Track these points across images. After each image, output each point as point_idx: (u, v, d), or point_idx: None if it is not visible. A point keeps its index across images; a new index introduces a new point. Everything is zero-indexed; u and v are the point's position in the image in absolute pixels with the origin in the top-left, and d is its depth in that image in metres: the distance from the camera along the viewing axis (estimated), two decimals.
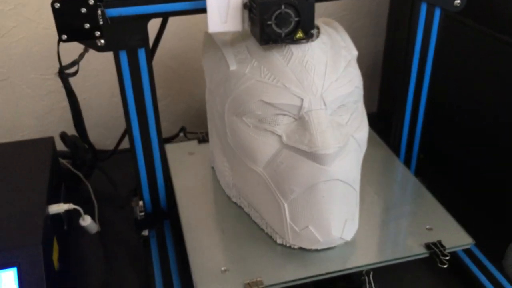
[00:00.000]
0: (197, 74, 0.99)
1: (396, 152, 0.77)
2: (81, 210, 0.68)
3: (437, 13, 0.67)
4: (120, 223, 0.78)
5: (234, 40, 0.61)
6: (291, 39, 0.53)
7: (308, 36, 0.54)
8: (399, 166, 0.74)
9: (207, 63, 0.66)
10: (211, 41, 0.63)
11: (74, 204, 0.67)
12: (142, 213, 0.68)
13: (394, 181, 0.72)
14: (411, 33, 0.68)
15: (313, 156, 0.53)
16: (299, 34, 0.53)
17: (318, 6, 0.54)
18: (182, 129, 0.93)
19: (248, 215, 0.64)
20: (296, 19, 0.52)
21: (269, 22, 0.52)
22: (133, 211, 0.70)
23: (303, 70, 0.54)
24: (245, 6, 0.54)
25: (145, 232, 0.69)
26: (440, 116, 0.85)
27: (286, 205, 0.57)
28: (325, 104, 0.54)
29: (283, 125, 0.55)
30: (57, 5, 0.52)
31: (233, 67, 0.58)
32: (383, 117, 1.04)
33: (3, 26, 0.85)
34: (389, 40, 1.02)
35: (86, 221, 0.69)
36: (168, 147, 0.77)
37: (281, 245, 0.60)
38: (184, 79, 1.00)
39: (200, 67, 0.99)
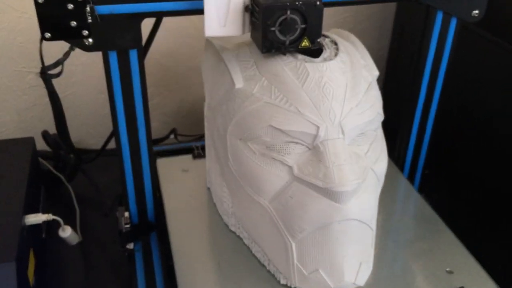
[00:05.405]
0: (190, 72, 0.95)
1: (400, 166, 0.73)
2: (61, 221, 0.63)
3: (453, 23, 0.63)
4: (103, 232, 0.74)
5: (241, 52, 0.54)
6: (295, 47, 0.49)
7: (315, 45, 0.49)
8: (403, 182, 0.70)
9: (207, 75, 0.58)
10: (213, 50, 0.56)
11: (55, 209, 0.64)
12: (128, 225, 0.64)
13: (401, 204, 0.66)
14: (424, 43, 0.64)
15: (328, 193, 0.47)
16: (305, 43, 0.49)
17: None
18: (173, 131, 0.89)
19: (248, 247, 0.58)
20: (302, 26, 0.48)
21: (273, 29, 0.47)
22: (117, 221, 0.65)
23: (320, 94, 0.48)
24: (246, 9, 0.49)
25: (130, 245, 0.65)
26: (448, 131, 0.81)
27: (294, 245, 0.50)
28: (343, 133, 0.48)
29: (295, 155, 0.49)
30: None
31: (239, 84, 0.51)
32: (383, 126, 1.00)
33: None
34: (393, 46, 0.98)
35: (66, 232, 0.65)
36: (160, 162, 0.71)
37: (285, 286, 0.53)
38: (176, 77, 0.95)
39: (194, 66, 0.95)
